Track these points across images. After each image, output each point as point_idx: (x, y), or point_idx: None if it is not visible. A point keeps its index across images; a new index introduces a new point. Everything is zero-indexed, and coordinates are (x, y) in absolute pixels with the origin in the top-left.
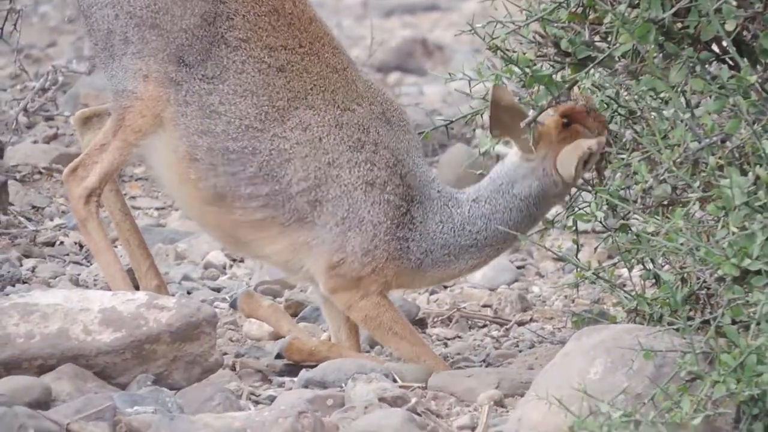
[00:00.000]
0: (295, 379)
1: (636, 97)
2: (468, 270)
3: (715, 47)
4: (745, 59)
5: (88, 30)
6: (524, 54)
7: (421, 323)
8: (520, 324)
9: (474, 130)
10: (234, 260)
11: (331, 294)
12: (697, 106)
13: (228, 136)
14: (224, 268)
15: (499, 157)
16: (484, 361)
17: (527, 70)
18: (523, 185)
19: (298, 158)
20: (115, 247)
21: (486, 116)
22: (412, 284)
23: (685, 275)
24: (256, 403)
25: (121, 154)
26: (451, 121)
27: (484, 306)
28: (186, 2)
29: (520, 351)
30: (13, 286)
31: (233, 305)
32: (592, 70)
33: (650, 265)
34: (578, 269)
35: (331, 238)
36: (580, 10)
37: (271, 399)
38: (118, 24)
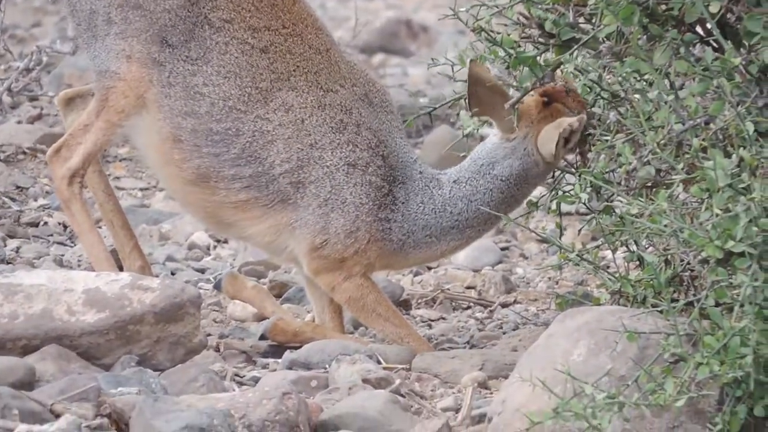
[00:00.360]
0: (279, 360)
1: (620, 79)
2: (450, 251)
3: (699, 29)
4: (729, 41)
5: (71, 10)
6: (508, 35)
7: (405, 304)
8: (504, 306)
9: (458, 113)
10: (218, 241)
11: (315, 275)
12: (681, 88)
13: (212, 117)
14: (208, 248)
15: (482, 139)
16: (468, 342)
17: (511, 51)
18: (503, 166)
19: (281, 140)
20: (99, 227)
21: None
22: (394, 265)
23: (669, 257)
24: (240, 384)
25: (104, 135)
26: (434, 108)
27: (468, 287)
28: None
29: (504, 333)
30: None
31: (217, 286)
32: (576, 52)
33: (634, 247)
34: (562, 251)
35: (314, 219)
36: None
37: (255, 380)
38: (100, 4)
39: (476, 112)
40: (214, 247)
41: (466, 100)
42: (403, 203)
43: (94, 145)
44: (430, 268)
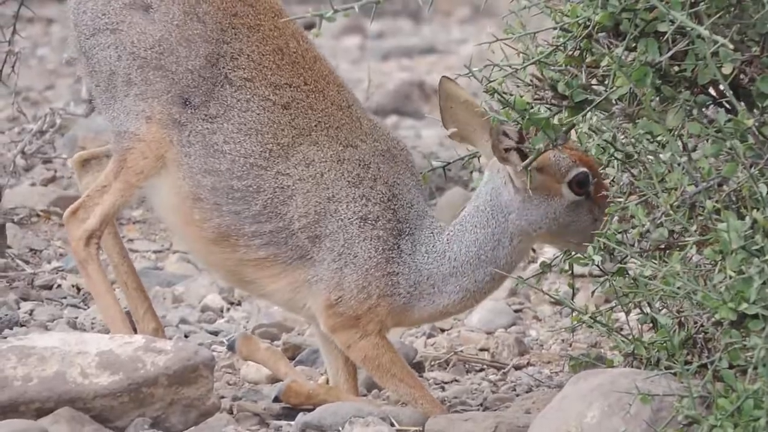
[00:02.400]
0: (293, 422)
1: (633, 140)
2: (454, 306)
3: (712, 91)
4: (742, 103)
5: (89, 71)
6: (521, 97)
7: (418, 366)
8: (518, 368)
9: (471, 172)
10: (231, 303)
11: (332, 333)
12: (694, 150)
13: (232, 174)
14: (221, 311)
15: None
16: (481, 404)
17: (524, 113)
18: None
19: (300, 194)
20: (114, 289)
21: (482, 159)
22: (403, 321)
23: (683, 319)
24: None
25: (122, 196)
26: (449, 163)
27: (482, 350)
28: (191, 44)
29: (518, 395)
30: (11, 329)
31: (231, 347)
32: (589, 114)
33: (647, 309)
34: (575, 313)
35: (329, 275)
36: (577, 53)
37: None
38: (120, 65)
39: (454, 133)
40: (228, 309)
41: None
42: (409, 254)
43: (111, 206)
44: (443, 330)
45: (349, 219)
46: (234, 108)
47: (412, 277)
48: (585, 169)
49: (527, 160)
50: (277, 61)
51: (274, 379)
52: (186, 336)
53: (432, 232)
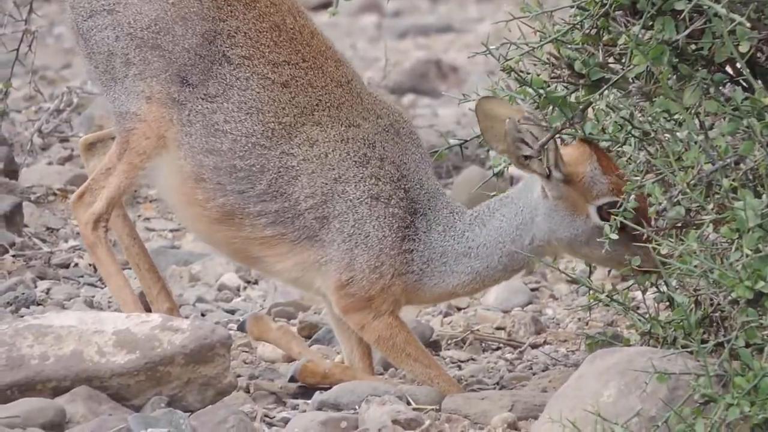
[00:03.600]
0: (309, 401)
1: (650, 118)
2: (462, 287)
3: (729, 69)
4: (759, 81)
5: (88, 53)
6: (538, 75)
7: (434, 345)
8: (534, 346)
9: (488, 151)
10: (248, 282)
11: (344, 314)
12: (711, 128)
13: (234, 154)
14: (238, 290)
15: (513, 179)
16: (497, 383)
17: (541, 91)
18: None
19: (306, 174)
20: (126, 270)
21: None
22: (412, 300)
23: (699, 298)
24: (270, 425)
25: (127, 178)
26: (465, 141)
27: (498, 328)
28: (187, 22)
29: (534, 374)
30: (28, 307)
31: (241, 328)
32: (606, 92)
33: (664, 288)
34: (592, 292)
35: (339, 256)
36: (594, 31)
37: (285, 421)
38: (118, 46)
39: (501, 149)
40: (245, 288)
41: (481, 139)
42: (424, 232)
43: (117, 189)
44: (459, 309)
45: (359, 199)
46: (233, 87)
47: (426, 253)
48: (618, 200)
49: (544, 139)
50: (274, 38)
51: (290, 358)
52: (203, 315)
53: (451, 212)
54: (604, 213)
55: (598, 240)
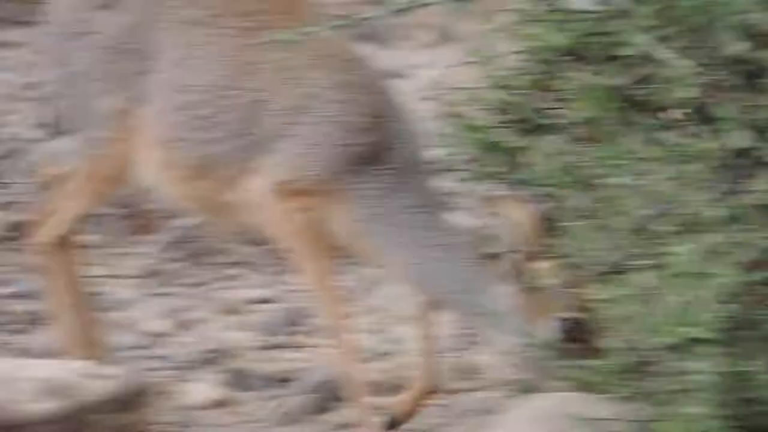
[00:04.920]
0: None
1: (592, 163)
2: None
3: (672, 113)
4: (703, 126)
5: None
6: (482, 120)
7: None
8: (456, 392)
9: None
10: (177, 328)
11: (273, 205)
12: (653, 174)
13: (201, 104)
14: (166, 336)
15: None
16: None
17: (484, 136)
18: None
19: (277, 98)
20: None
21: None
22: (337, 224)
23: (627, 343)
24: None
25: (89, 201)
26: None
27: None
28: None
29: (462, 419)
30: None
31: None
32: (549, 137)
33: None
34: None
35: (291, 161)
36: (539, 77)
37: None
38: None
39: None
40: (173, 334)
41: None
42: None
43: (75, 214)
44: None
45: (334, 121)
46: (192, 45)
47: (375, 209)
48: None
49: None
50: None
51: (218, 404)
52: (130, 361)
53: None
54: (563, 328)
55: None
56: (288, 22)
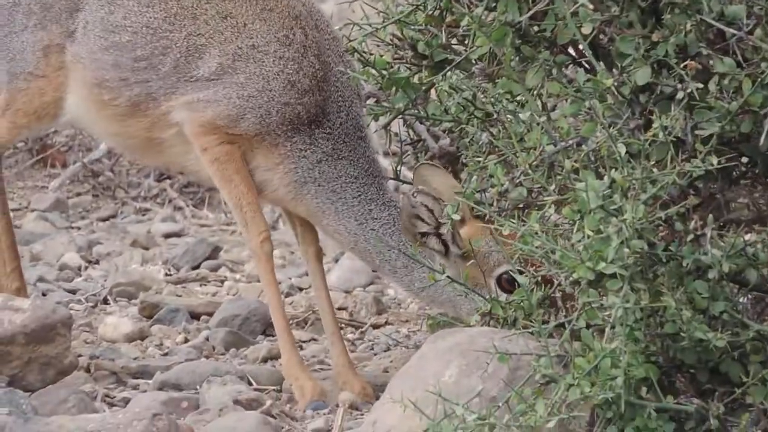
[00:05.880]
0: (150, 381)
1: (492, 99)
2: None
3: (571, 50)
4: (602, 63)
5: None
6: (381, 56)
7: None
8: (375, 327)
9: None
10: (89, 262)
11: (195, 138)
12: (553, 110)
13: (135, 44)
14: (79, 269)
15: None
16: None
17: (384, 72)
18: None
19: (217, 44)
20: None
21: None
22: (272, 182)
23: (540, 279)
24: (111, 405)
25: (9, 134)
26: None
27: (339, 309)
28: None
29: (375, 354)
30: None
31: None
32: (449, 73)
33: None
34: (432, 272)
35: (222, 106)
36: (437, 13)
37: (126, 401)
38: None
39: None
40: (86, 267)
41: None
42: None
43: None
44: (301, 289)
45: (275, 75)
46: None
47: (312, 155)
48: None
49: (386, 121)
50: None
51: (131, 338)
52: (44, 294)
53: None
54: (503, 283)
55: None
56: None
